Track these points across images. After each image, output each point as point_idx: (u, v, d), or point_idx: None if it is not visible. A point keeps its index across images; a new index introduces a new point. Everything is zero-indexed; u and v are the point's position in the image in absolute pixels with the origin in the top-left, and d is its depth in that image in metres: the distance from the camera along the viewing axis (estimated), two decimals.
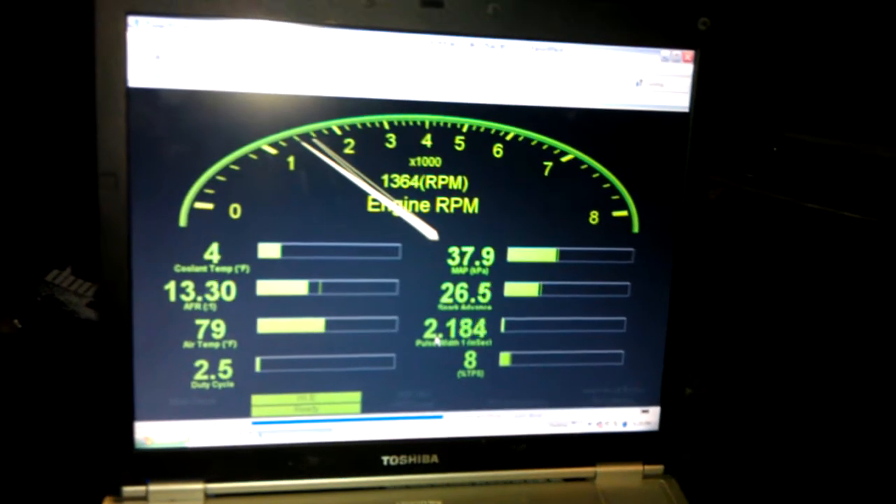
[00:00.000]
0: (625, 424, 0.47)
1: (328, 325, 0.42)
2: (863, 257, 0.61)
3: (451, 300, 0.44)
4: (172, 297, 0.40)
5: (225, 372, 0.42)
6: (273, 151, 0.40)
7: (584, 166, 0.43)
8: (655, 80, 0.43)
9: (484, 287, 0.44)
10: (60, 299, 0.60)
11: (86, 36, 0.38)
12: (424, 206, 0.42)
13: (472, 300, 0.44)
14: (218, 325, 0.41)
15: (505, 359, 0.45)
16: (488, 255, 0.43)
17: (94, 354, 0.41)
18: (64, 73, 0.58)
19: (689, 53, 0.44)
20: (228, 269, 0.41)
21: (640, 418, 0.47)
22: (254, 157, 0.40)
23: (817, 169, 0.64)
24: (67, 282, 0.61)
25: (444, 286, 0.43)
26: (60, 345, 0.57)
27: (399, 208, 0.42)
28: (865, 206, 0.61)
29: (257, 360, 0.42)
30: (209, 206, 0.40)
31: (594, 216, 0.44)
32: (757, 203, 0.64)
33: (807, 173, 0.64)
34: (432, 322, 0.44)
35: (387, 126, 0.41)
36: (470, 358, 0.44)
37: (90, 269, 0.61)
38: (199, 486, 0.42)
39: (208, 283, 0.41)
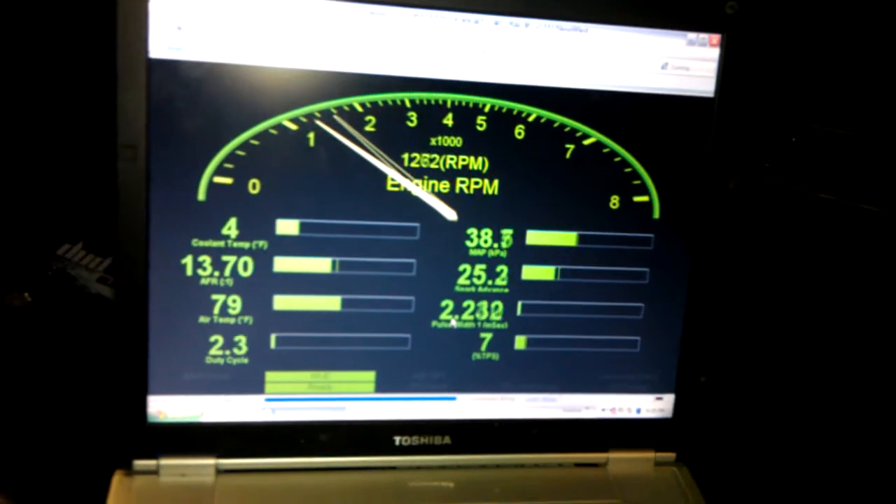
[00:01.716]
0: (638, 411, 0.46)
1: (344, 303, 0.42)
2: (880, 250, 0.60)
3: (468, 282, 0.43)
4: (189, 272, 0.40)
5: (240, 348, 0.41)
6: (293, 127, 0.40)
7: (606, 150, 0.43)
8: (681, 63, 0.43)
9: (501, 269, 0.43)
10: (71, 273, 0.60)
11: (107, 6, 0.38)
12: (444, 186, 0.42)
13: (490, 282, 0.43)
14: (234, 301, 0.41)
15: (520, 342, 0.44)
16: (507, 237, 0.43)
17: (107, 328, 0.41)
18: (80, 44, 0.57)
19: (716, 37, 0.43)
20: (246, 245, 0.41)
21: (654, 405, 0.46)
22: (274, 132, 0.40)
23: (835, 160, 0.63)
24: (79, 256, 0.61)
25: (461, 267, 0.43)
26: (71, 319, 0.57)
27: (418, 188, 0.42)
28: (882, 198, 0.61)
29: (272, 337, 0.42)
30: (228, 180, 0.40)
31: (615, 201, 0.44)
32: (773, 193, 0.63)
33: (824, 164, 0.63)
34: (448, 303, 0.43)
35: (408, 104, 0.41)
36: (485, 340, 0.44)
37: (102, 243, 0.61)
38: (210, 461, 0.42)
39: (225, 259, 0.40)
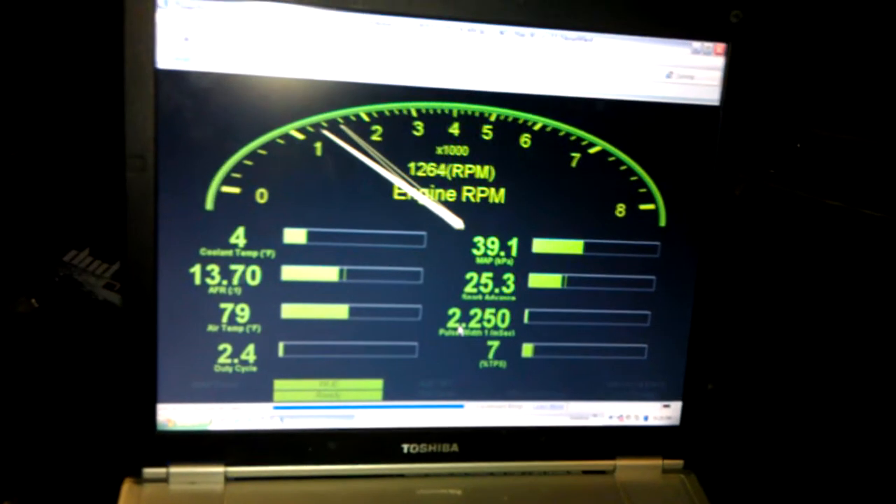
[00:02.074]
0: (646, 418, 0.46)
1: (352, 311, 0.42)
2: (885, 255, 0.60)
3: (475, 290, 0.43)
4: (197, 281, 0.40)
5: (248, 356, 0.42)
6: (300, 137, 0.40)
7: (611, 158, 0.43)
8: (686, 72, 0.43)
9: (508, 277, 0.44)
10: (78, 280, 0.60)
11: (115, 16, 0.38)
12: (450, 194, 0.42)
13: (496, 290, 0.44)
14: (242, 310, 0.41)
15: (527, 350, 0.44)
16: (513, 245, 0.43)
17: (115, 335, 0.41)
18: (88, 54, 0.58)
19: (721, 46, 0.43)
20: (254, 254, 0.41)
21: (662, 413, 0.47)
22: (281, 142, 0.40)
23: (840, 166, 0.63)
24: (85, 262, 0.61)
25: (468, 276, 0.43)
26: (77, 325, 0.57)
27: (425, 197, 0.42)
28: (888, 203, 0.61)
29: (280, 345, 0.42)
30: (236, 190, 0.40)
31: (621, 209, 0.44)
32: (779, 199, 0.63)
33: (829, 170, 0.63)
34: (456, 311, 0.43)
35: (414, 113, 0.41)
36: (492, 348, 0.44)
37: (108, 250, 0.61)
38: (219, 469, 0.42)
39: (233, 268, 0.41)
